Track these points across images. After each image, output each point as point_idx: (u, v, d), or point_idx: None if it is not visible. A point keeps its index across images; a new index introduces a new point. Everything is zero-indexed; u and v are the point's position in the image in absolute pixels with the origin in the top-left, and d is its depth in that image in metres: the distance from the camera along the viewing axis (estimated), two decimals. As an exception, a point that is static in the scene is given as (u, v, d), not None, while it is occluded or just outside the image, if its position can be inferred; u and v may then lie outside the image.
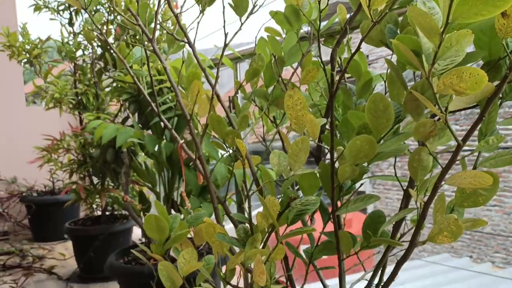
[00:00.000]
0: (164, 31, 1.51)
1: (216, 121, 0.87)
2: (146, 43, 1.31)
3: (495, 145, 0.63)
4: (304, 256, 0.85)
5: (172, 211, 1.64)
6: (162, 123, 1.59)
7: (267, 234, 0.63)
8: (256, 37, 1.11)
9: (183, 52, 1.19)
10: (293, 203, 0.61)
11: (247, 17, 0.92)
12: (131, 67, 1.35)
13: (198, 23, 0.93)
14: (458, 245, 7.70)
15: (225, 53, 1.04)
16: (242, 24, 0.93)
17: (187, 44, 0.95)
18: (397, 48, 0.70)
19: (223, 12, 0.89)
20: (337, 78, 0.77)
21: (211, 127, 0.88)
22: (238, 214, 0.84)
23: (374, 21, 0.58)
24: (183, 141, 1.06)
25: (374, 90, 1.01)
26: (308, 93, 1.08)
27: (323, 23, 1.12)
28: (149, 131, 1.66)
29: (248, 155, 0.91)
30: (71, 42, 2.22)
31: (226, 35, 0.91)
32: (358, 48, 0.75)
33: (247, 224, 0.77)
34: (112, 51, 1.35)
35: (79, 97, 2.22)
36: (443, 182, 0.66)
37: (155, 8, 1.16)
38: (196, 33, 0.96)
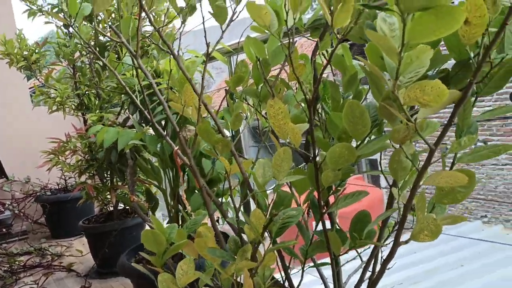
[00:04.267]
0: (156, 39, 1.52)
1: (204, 131, 0.89)
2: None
3: (467, 146, 0.65)
4: (299, 254, 0.89)
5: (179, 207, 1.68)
6: (163, 121, 1.63)
7: (256, 245, 0.66)
8: (241, 35, 1.13)
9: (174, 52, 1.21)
10: (276, 217, 0.64)
11: (228, 25, 0.94)
12: (124, 74, 1.38)
13: (181, 33, 0.95)
14: (473, 206, 7.72)
15: (219, 46, 1.06)
16: (223, 31, 0.95)
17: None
18: (370, 55, 0.72)
19: (203, 23, 0.90)
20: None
21: (200, 137, 0.91)
22: (233, 219, 0.87)
23: (340, 38, 0.59)
24: (177, 147, 1.09)
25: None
26: (297, 90, 1.10)
27: (309, 16, 1.13)
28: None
29: (239, 160, 0.94)
30: (68, 44, 2.24)
31: (208, 44, 0.92)
32: (337, 45, 0.76)
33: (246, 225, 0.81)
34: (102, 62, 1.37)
35: (81, 98, 2.26)
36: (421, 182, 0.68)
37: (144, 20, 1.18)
38: (180, 43, 0.98)
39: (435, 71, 0.76)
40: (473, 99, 0.71)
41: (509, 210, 7.21)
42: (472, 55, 0.66)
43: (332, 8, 0.55)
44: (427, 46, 0.52)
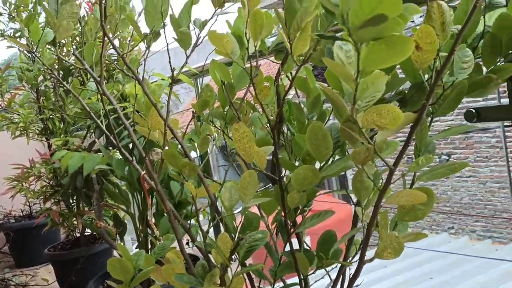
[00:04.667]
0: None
1: (170, 156, 0.90)
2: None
3: (424, 165, 0.68)
4: (269, 275, 0.89)
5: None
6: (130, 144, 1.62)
7: (224, 269, 0.67)
8: (206, 59, 1.14)
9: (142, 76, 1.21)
10: (243, 241, 0.65)
11: (192, 50, 0.95)
12: (90, 98, 1.37)
13: (145, 59, 0.96)
14: (440, 218, 7.89)
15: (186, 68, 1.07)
16: (187, 57, 0.96)
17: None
18: (330, 80, 0.75)
19: (167, 50, 0.91)
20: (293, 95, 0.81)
21: (166, 161, 0.91)
22: (201, 242, 0.87)
23: (299, 65, 0.61)
24: (144, 172, 1.09)
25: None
26: (261, 113, 1.11)
27: (273, 38, 1.16)
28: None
29: (206, 183, 0.95)
30: (31, 68, 2.21)
31: (172, 70, 0.93)
32: (297, 71, 0.78)
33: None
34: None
35: (45, 123, 2.22)
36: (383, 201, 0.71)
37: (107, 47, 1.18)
38: (145, 68, 0.99)
39: (393, 93, 0.79)
40: (429, 119, 0.75)
41: (474, 221, 7.41)
42: (425, 78, 0.69)
43: (290, 36, 0.57)
44: (382, 73, 0.55)
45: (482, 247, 3.91)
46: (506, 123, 5.84)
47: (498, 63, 0.73)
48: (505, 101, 0.82)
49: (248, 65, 0.85)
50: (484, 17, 0.74)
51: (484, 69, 0.75)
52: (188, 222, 1.61)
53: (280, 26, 0.59)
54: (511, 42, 0.71)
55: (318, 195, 0.91)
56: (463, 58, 0.65)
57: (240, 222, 0.90)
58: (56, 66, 1.94)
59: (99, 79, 0.91)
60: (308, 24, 0.56)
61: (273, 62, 1.17)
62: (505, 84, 0.80)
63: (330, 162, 0.84)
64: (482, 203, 7.20)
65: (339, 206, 4.49)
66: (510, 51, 0.72)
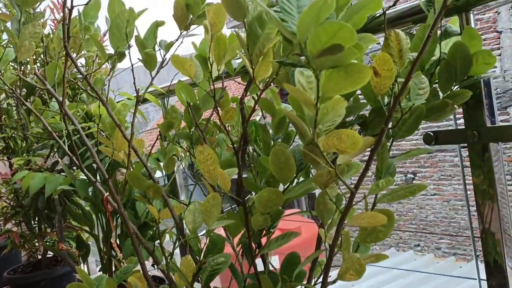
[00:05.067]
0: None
1: (134, 178, 0.89)
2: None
3: (384, 187, 0.69)
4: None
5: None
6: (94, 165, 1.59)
7: (186, 294, 0.66)
8: (172, 79, 1.14)
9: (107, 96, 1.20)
10: (205, 265, 0.64)
11: (157, 72, 0.95)
12: (53, 117, 1.34)
13: (109, 80, 0.95)
14: (406, 236, 8.02)
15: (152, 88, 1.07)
16: (153, 78, 0.96)
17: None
18: (293, 103, 0.76)
19: (132, 70, 0.91)
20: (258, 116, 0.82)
21: (130, 183, 0.90)
22: (165, 266, 0.86)
23: (261, 89, 0.62)
24: (107, 194, 1.07)
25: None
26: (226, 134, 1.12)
27: (239, 60, 1.17)
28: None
29: (171, 205, 0.94)
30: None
31: (137, 91, 0.93)
32: (260, 94, 0.79)
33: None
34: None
35: (7, 142, 2.15)
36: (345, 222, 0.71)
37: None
38: (109, 89, 0.98)
39: (355, 116, 0.81)
40: (389, 142, 0.77)
41: (439, 238, 7.56)
42: (385, 103, 0.71)
43: (253, 61, 0.58)
44: (342, 98, 0.56)
45: (447, 264, 3.99)
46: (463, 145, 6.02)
47: (454, 89, 0.76)
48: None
49: (214, 87, 0.86)
50: (440, 44, 0.77)
51: (441, 94, 0.78)
52: (154, 243, 1.58)
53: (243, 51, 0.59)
54: (465, 69, 0.74)
55: (284, 216, 0.92)
56: (419, 85, 0.67)
57: (205, 244, 0.89)
58: (19, 83, 1.90)
59: (61, 99, 0.90)
60: (270, 50, 0.57)
61: (239, 83, 1.18)
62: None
63: (294, 183, 0.85)
64: (447, 220, 7.36)
65: (307, 225, 4.51)
66: (465, 78, 0.76)
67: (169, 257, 0.80)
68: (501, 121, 6.43)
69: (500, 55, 6.56)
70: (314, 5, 0.39)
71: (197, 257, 0.90)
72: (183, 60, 0.69)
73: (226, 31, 0.85)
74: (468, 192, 1.19)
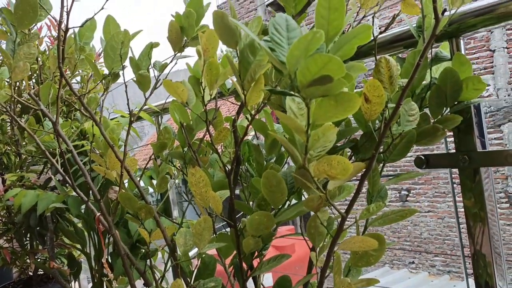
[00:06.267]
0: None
1: (126, 199, 0.88)
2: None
3: (375, 212, 0.69)
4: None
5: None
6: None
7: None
8: (167, 98, 1.14)
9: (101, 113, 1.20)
10: (195, 289, 0.64)
11: (151, 92, 0.95)
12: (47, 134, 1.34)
13: (103, 100, 0.95)
14: (400, 253, 7.99)
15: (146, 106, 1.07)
16: (146, 99, 0.96)
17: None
18: (285, 128, 0.76)
19: (126, 91, 0.91)
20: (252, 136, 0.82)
21: (122, 204, 0.90)
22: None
23: (253, 114, 0.63)
24: (99, 214, 1.06)
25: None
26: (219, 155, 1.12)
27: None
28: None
29: (162, 227, 0.93)
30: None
31: (131, 112, 0.93)
32: (252, 119, 0.79)
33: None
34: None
35: (0, 158, 2.14)
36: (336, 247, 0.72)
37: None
38: (102, 108, 0.98)
39: (346, 140, 0.82)
40: (380, 166, 0.77)
41: (433, 256, 7.54)
42: (376, 127, 0.72)
43: (244, 87, 0.59)
44: (332, 125, 0.57)
45: (441, 283, 3.97)
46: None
47: (444, 114, 0.77)
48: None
49: (206, 110, 0.86)
50: (430, 69, 0.78)
51: (432, 118, 0.79)
52: (146, 263, 1.57)
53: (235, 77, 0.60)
54: (455, 94, 0.75)
55: (275, 238, 0.92)
56: (409, 111, 0.68)
57: (196, 265, 0.89)
58: (13, 99, 1.90)
59: (54, 119, 0.90)
60: (261, 76, 0.58)
61: (232, 103, 1.19)
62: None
63: (286, 206, 0.85)
64: (441, 238, 7.35)
65: (301, 242, 4.48)
66: (455, 103, 0.77)
67: (159, 281, 0.80)
68: (495, 138, 6.46)
69: (493, 73, 6.63)
70: (303, 38, 0.40)
71: (188, 278, 0.89)
72: (176, 85, 0.70)
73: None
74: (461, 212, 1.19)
